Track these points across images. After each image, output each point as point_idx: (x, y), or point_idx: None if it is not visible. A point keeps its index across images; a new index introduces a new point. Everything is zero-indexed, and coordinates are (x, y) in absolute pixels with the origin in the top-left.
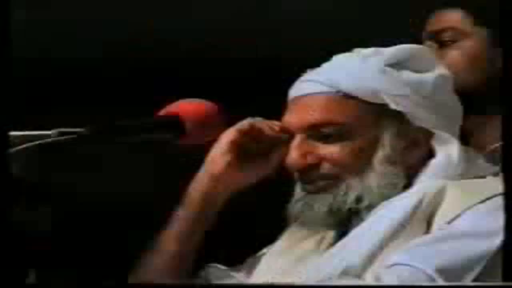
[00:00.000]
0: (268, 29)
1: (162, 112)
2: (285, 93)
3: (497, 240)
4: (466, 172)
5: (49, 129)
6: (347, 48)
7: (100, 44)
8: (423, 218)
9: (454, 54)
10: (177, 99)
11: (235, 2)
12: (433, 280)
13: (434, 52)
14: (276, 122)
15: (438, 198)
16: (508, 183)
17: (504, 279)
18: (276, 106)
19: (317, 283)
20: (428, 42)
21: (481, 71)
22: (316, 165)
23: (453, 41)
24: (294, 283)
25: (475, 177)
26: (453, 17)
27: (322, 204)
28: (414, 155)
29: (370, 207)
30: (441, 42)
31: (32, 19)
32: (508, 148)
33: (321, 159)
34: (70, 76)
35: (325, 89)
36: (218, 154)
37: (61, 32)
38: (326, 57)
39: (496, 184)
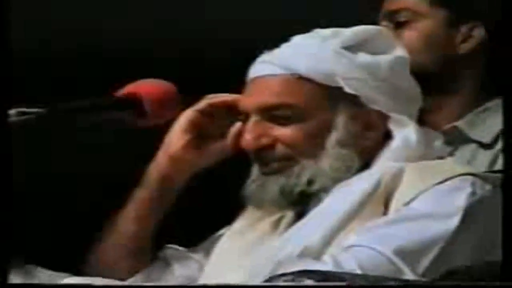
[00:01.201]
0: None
1: (122, 92)
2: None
3: (455, 220)
4: (424, 154)
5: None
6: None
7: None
8: (381, 199)
9: (409, 34)
10: (136, 79)
11: None
12: (391, 261)
13: (391, 32)
14: (234, 95)
15: (396, 179)
16: (508, 182)
17: (504, 279)
18: (234, 86)
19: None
20: (384, 22)
21: (436, 51)
22: (270, 147)
23: (409, 21)
24: (293, 283)
25: (433, 159)
26: None
27: (274, 185)
28: (369, 138)
29: (323, 190)
30: (397, 22)
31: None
32: (509, 147)
33: (276, 141)
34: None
35: (280, 71)
36: (177, 134)
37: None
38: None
39: (453, 165)
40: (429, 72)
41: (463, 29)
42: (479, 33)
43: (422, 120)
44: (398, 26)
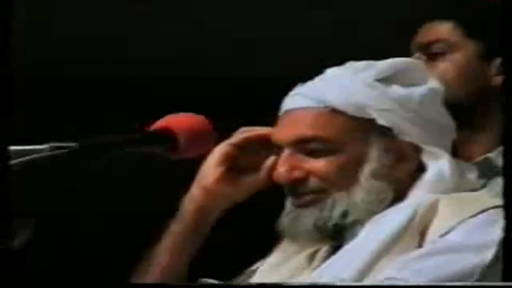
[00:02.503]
0: (261, 45)
1: (153, 126)
2: (276, 107)
3: (489, 254)
4: (458, 186)
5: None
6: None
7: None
8: (416, 232)
9: (443, 66)
10: (169, 113)
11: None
12: None
13: (424, 64)
14: (268, 129)
15: (430, 212)
16: (508, 185)
17: (504, 279)
18: (267, 120)
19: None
20: (417, 54)
21: (469, 84)
22: (303, 180)
23: (443, 53)
24: (293, 283)
25: (466, 191)
26: (443, 29)
27: (308, 218)
28: (402, 170)
29: (357, 222)
30: (431, 54)
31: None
32: (509, 149)
33: (309, 174)
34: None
35: (313, 103)
36: (211, 167)
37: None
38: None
39: (487, 198)
40: (462, 104)
41: (497, 61)
42: None
43: (454, 152)
44: (432, 57)
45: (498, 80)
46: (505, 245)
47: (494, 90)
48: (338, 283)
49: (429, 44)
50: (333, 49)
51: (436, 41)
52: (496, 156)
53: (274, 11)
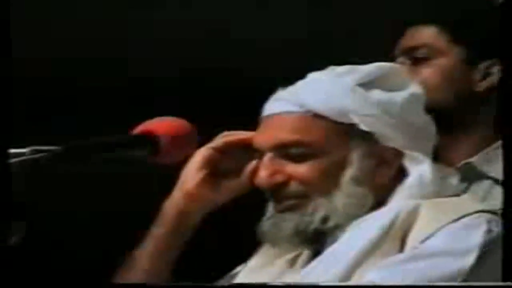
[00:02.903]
0: (244, 47)
1: (137, 130)
2: (258, 112)
3: (470, 258)
4: (439, 191)
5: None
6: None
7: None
8: (397, 237)
9: (427, 71)
10: (151, 117)
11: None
12: None
13: (407, 69)
14: (250, 133)
15: (411, 217)
16: (508, 183)
17: (504, 279)
18: (248, 124)
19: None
20: (401, 59)
21: (453, 90)
22: (284, 184)
23: (427, 58)
24: (294, 283)
25: (448, 196)
26: (427, 34)
27: (289, 223)
28: (384, 175)
29: (338, 227)
30: (415, 58)
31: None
32: (509, 149)
33: (290, 178)
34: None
35: (294, 108)
36: (192, 171)
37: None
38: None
39: (469, 203)
40: (445, 110)
41: (481, 67)
42: (497, 71)
43: (437, 157)
44: (416, 62)
45: (482, 85)
46: (505, 245)
47: (479, 95)
48: (333, 284)
49: (413, 48)
50: (316, 53)
51: (420, 46)
52: (479, 161)
53: (274, 11)
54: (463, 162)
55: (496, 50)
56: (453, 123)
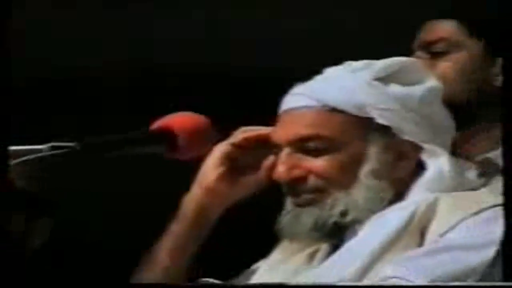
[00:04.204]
0: (263, 43)
1: (154, 126)
2: (276, 107)
3: (490, 252)
4: (458, 185)
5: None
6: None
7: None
8: (417, 230)
9: (445, 65)
10: (169, 112)
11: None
12: None
13: (425, 63)
14: (268, 128)
15: (431, 210)
16: (508, 183)
17: (504, 279)
18: (266, 120)
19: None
20: (419, 53)
21: (471, 84)
22: (303, 179)
23: (445, 53)
24: (294, 283)
25: (466, 189)
26: (446, 28)
27: (308, 217)
28: (402, 169)
29: (357, 221)
30: (433, 52)
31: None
32: (508, 149)
33: (308, 173)
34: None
35: (312, 103)
36: (211, 167)
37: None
38: (319, 71)
39: (487, 196)
40: (464, 104)
41: (500, 61)
42: None
43: (456, 150)
44: (434, 56)
45: (501, 80)
46: (505, 245)
47: (497, 89)
48: (339, 283)
49: (431, 43)
50: (334, 48)
51: (439, 40)
52: (497, 155)
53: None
54: (481, 157)
55: None
56: (473, 117)
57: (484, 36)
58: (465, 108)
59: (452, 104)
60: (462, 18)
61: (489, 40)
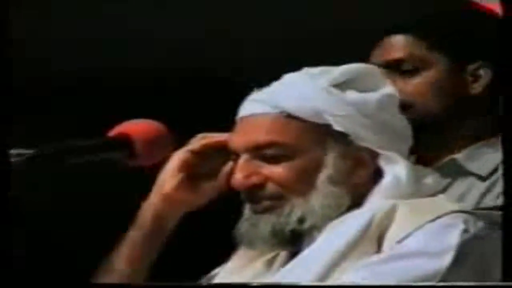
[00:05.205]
0: (220, 46)
1: (112, 133)
2: (233, 112)
3: (448, 258)
4: (415, 191)
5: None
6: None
7: None
8: (374, 237)
9: (418, 83)
10: (126, 119)
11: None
12: None
13: (395, 83)
14: (226, 135)
15: (388, 217)
16: (508, 182)
17: (504, 279)
18: (224, 125)
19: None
20: (385, 71)
21: (447, 98)
22: (261, 185)
23: (414, 70)
24: (294, 283)
25: (425, 196)
26: (407, 44)
27: (265, 224)
28: (360, 175)
29: (315, 228)
30: (402, 71)
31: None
32: (509, 149)
33: (266, 180)
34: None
35: (269, 109)
36: (169, 174)
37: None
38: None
39: (445, 203)
40: (440, 117)
41: (470, 69)
42: (485, 71)
43: (423, 153)
44: (403, 74)
45: (476, 87)
46: (505, 245)
47: (474, 97)
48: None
49: (398, 61)
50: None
51: (405, 58)
52: (463, 157)
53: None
54: (447, 158)
55: (479, 52)
56: (444, 127)
57: (446, 48)
58: (442, 120)
59: (432, 121)
60: (419, 32)
61: (451, 51)
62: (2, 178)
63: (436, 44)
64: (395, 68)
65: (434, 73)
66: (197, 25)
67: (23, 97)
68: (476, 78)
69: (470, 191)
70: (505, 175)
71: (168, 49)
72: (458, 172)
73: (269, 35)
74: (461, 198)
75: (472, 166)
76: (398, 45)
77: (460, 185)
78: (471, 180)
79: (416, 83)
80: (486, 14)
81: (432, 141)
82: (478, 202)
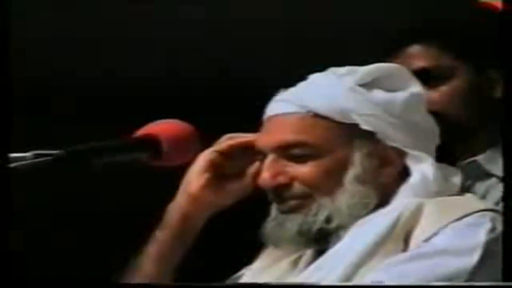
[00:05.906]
0: (245, 48)
1: (139, 133)
2: (260, 113)
3: (475, 256)
4: (442, 190)
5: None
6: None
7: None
8: (401, 236)
9: (444, 91)
10: (153, 120)
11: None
12: None
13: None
14: (253, 135)
15: (415, 216)
16: (508, 181)
17: (504, 279)
18: (251, 126)
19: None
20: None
21: (472, 105)
22: (287, 185)
23: (440, 79)
24: (294, 283)
25: (451, 195)
26: (432, 54)
27: (292, 224)
28: (387, 174)
29: (341, 227)
30: (426, 80)
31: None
32: (509, 149)
33: (293, 179)
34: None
35: (296, 109)
36: (196, 174)
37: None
38: (304, 77)
39: (472, 201)
40: (466, 125)
41: (490, 73)
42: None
43: (445, 153)
44: (427, 83)
45: (497, 91)
46: (505, 245)
47: (495, 102)
48: (334, 284)
49: (425, 70)
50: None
51: (430, 68)
52: (484, 159)
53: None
54: (468, 160)
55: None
56: (469, 132)
57: (469, 55)
58: (470, 129)
59: (458, 129)
60: (444, 41)
61: (475, 57)
62: (2, 178)
63: (461, 53)
64: (419, 78)
65: (459, 81)
66: (223, 27)
67: (23, 97)
68: (496, 82)
69: (491, 192)
70: (505, 174)
71: (193, 49)
72: (479, 173)
73: (293, 35)
74: (481, 199)
75: (493, 168)
76: (421, 54)
77: (481, 186)
78: (491, 181)
79: (441, 92)
80: (497, 14)
81: (457, 147)
82: (498, 203)
